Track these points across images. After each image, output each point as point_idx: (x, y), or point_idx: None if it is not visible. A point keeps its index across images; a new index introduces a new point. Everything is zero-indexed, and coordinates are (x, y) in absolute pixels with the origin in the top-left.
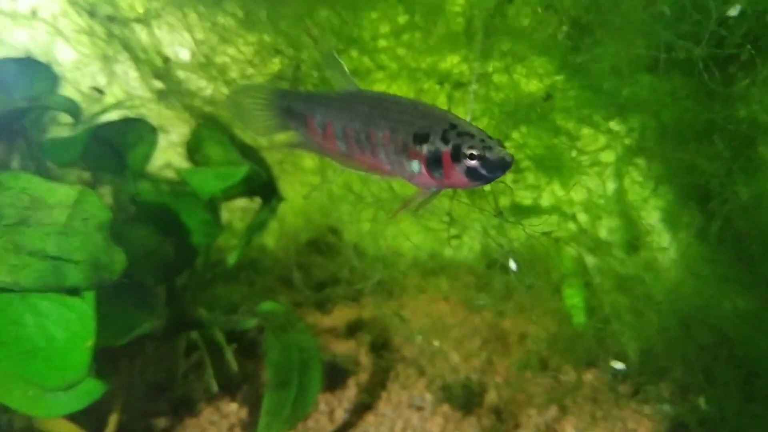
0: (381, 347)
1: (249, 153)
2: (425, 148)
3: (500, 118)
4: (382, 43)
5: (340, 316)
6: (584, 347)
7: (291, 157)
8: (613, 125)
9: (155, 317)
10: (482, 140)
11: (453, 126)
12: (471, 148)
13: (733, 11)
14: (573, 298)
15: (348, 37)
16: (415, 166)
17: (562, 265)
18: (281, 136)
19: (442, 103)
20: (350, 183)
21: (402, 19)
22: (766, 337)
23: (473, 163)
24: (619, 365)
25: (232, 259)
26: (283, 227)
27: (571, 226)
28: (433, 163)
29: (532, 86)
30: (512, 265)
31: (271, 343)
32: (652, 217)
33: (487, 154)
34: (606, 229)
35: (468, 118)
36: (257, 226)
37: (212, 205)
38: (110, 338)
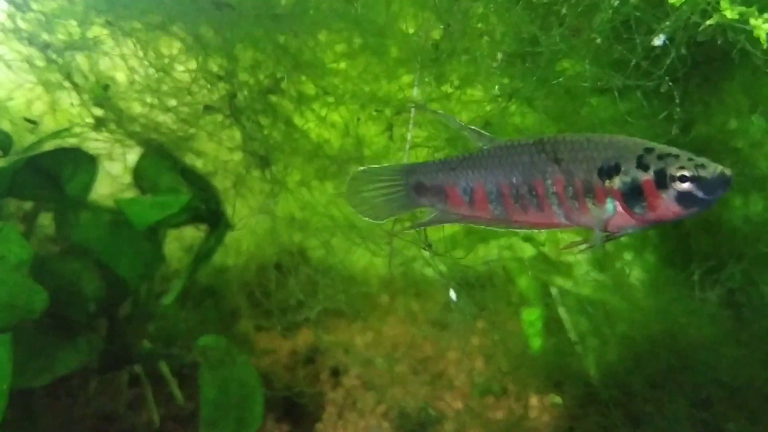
0: (341, 372)
1: (196, 180)
2: (618, 181)
3: (441, 145)
4: (335, 66)
5: (303, 340)
6: (546, 372)
7: (248, 181)
8: None
9: (84, 352)
10: (690, 158)
11: (649, 150)
12: (681, 169)
13: (658, 41)
14: (531, 321)
15: (304, 61)
16: (609, 206)
17: (522, 288)
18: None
19: (380, 131)
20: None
21: (351, 43)
22: (725, 365)
23: (686, 186)
24: (557, 399)
25: (174, 290)
26: (247, 250)
27: (530, 249)
28: (633, 196)
29: (473, 113)
30: (452, 294)
31: (206, 380)
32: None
33: (702, 173)
34: (569, 253)
35: (407, 146)
36: (203, 256)
37: (152, 235)
38: (32, 378)
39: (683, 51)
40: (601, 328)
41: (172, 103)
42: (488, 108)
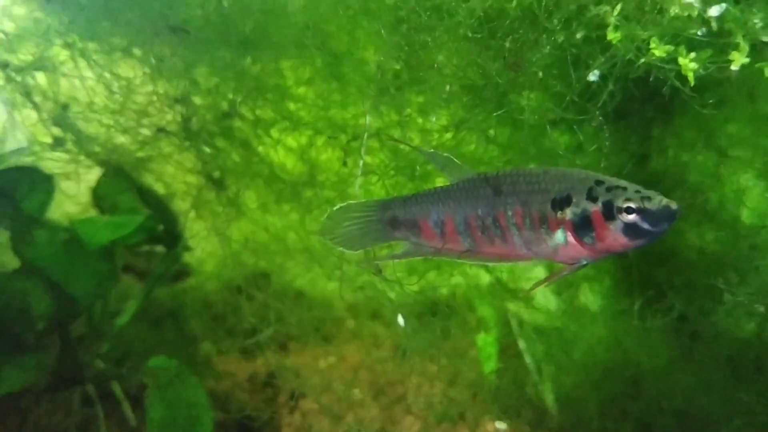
0: (299, 396)
1: (154, 201)
2: (569, 212)
3: (393, 174)
4: (294, 91)
5: (264, 363)
6: (503, 398)
7: (206, 203)
8: None
9: (32, 371)
10: (637, 191)
11: (599, 182)
12: (627, 201)
13: (593, 77)
14: (485, 346)
15: (264, 85)
16: (560, 236)
17: (481, 314)
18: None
19: (335, 156)
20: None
21: (311, 69)
22: (677, 393)
23: (632, 217)
24: (502, 425)
25: (130, 310)
26: (212, 271)
27: (487, 276)
28: (582, 227)
29: (426, 143)
30: (400, 320)
31: (153, 401)
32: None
33: (647, 205)
34: (526, 279)
35: (358, 173)
36: (158, 277)
37: (106, 255)
38: None
39: (618, 85)
40: (556, 354)
41: (131, 124)
42: (444, 136)
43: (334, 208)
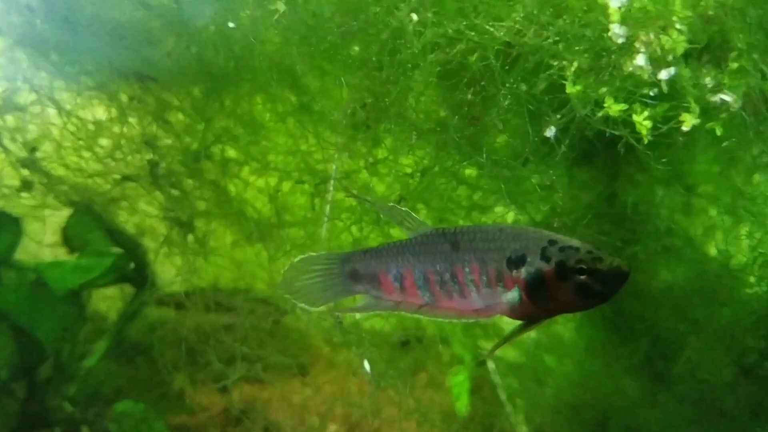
0: (274, 431)
1: (123, 240)
2: (524, 272)
3: (359, 219)
4: (267, 131)
5: (239, 395)
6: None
7: (175, 243)
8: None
9: None
10: (589, 252)
11: (553, 242)
12: (579, 262)
13: (549, 133)
14: (457, 382)
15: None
16: (515, 294)
17: (455, 349)
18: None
19: (303, 201)
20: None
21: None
22: (643, 421)
23: (583, 278)
24: None
25: (99, 351)
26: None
27: None
28: (536, 286)
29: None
30: (366, 366)
31: None
32: None
33: (599, 266)
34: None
35: (325, 218)
36: (128, 317)
37: (74, 298)
38: None
39: (576, 139)
40: (530, 390)
41: (98, 167)
42: (413, 180)
43: (294, 261)
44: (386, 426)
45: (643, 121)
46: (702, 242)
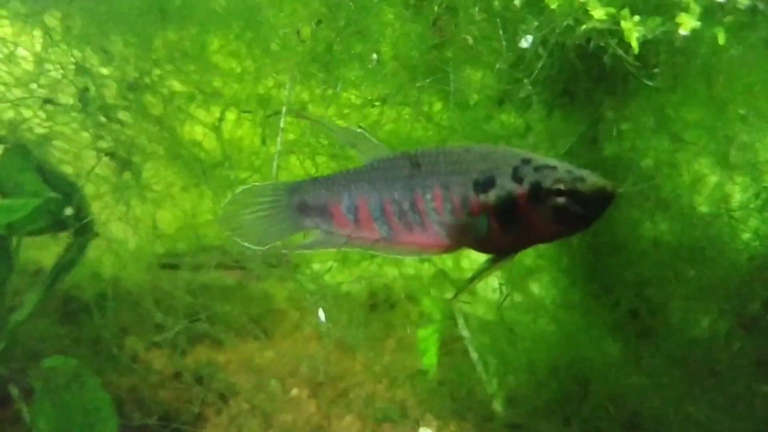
0: (230, 395)
1: (59, 183)
2: (492, 196)
3: (315, 152)
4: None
5: (196, 358)
6: (449, 395)
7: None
8: None
9: None
10: (569, 171)
11: (526, 161)
12: (556, 182)
13: (524, 43)
14: (425, 339)
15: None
16: (482, 223)
17: (425, 307)
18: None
19: (251, 132)
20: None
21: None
22: (626, 384)
23: (561, 201)
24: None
25: (29, 303)
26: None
27: (430, 268)
28: (506, 212)
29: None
30: (321, 315)
31: (40, 408)
32: (528, 259)
33: (579, 187)
34: (471, 271)
35: (276, 153)
36: (64, 266)
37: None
38: None
39: (556, 56)
40: (503, 350)
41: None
42: (370, 111)
43: (236, 192)
44: (353, 389)
45: (632, 27)
46: (689, 194)
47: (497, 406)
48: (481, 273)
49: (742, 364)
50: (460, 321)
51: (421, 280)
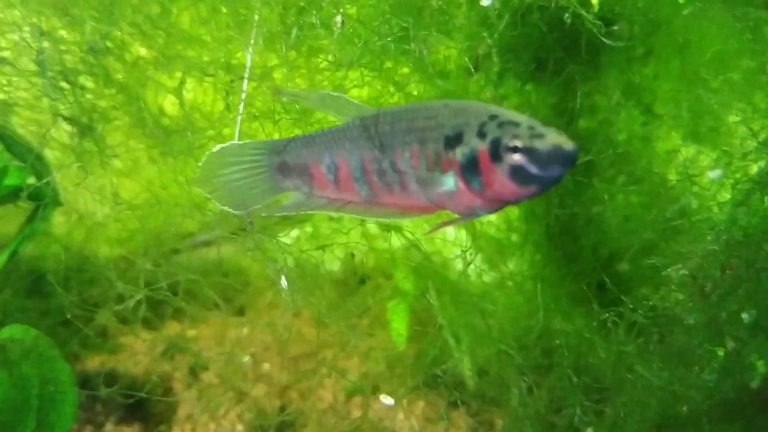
0: (201, 369)
1: (20, 150)
2: (459, 152)
3: (287, 122)
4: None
5: (168, 333)
6: (419, 369)
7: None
8: None
9: None
10: (531, 127)
11: (494, 117)
12: (514, 138)
13: (485, 2)
14: (395, 311)
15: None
16: (450, 181)
17: (398, 281)
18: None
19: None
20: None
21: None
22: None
23: (517, 158)
24: (388, 400)
25: None
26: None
27: (399, 240)
28: (470, 169)
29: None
30: (283, 282)
31: None
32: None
33: (536, 144)
34: (450, 245)
35: (238, 121)
36: (26, 235)
37: None
38: None
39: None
40: (474, 323)
41: None
42: (335, 75)
43: (213, 150)
44: (325, 365)
45: None
46: (662, 167)
47: (467, 378)
48: (441, 225)
49: (697, 330)
50: (432, 293)
51: (393, 253)
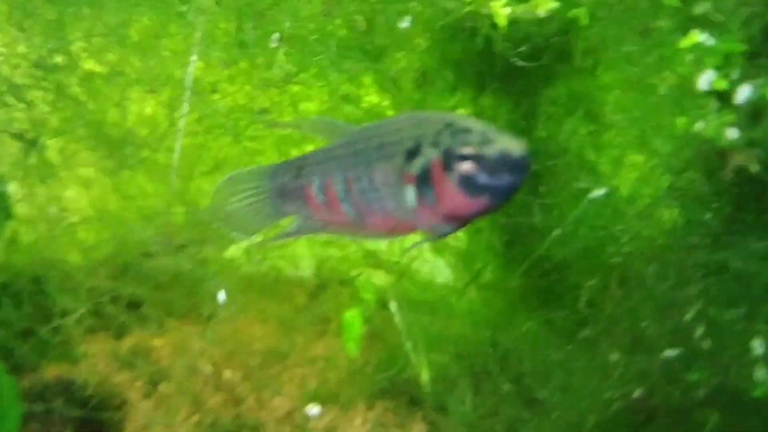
0: (161, 379)
1: None
2: (415, 165)
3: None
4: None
5: (133, 342)
6: (376, 377)
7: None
8: None
9: None
10: (483, 133)
11: (449, 125)
12: (464, 146)
13: (404, 23)
14: (349, 322)
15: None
16: (410, 195)
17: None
18: None
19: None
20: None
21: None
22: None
23: (466, 167)
24: (314, 410)
25: None
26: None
27: (355, 248)
28: (424, 182)
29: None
30: (221, 296)
31: None
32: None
33: (485, 150)
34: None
35: (179, 133)
36: None
37: None
38: None
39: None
40: (431, 330)
41: None
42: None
43: (222, 181)
44: (287, 372)
45: (501, 8)
46: (611, 176)
47: (424, 385)
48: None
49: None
50: (392, 302)
51: (351, 262)
